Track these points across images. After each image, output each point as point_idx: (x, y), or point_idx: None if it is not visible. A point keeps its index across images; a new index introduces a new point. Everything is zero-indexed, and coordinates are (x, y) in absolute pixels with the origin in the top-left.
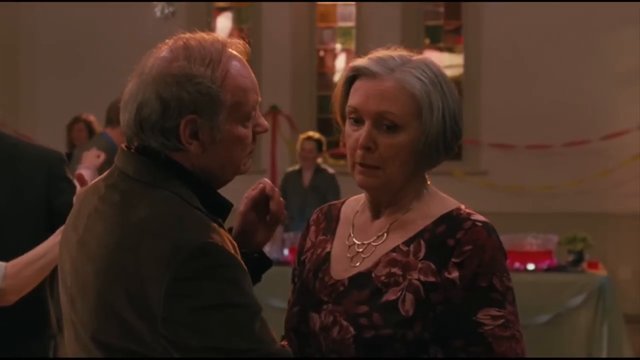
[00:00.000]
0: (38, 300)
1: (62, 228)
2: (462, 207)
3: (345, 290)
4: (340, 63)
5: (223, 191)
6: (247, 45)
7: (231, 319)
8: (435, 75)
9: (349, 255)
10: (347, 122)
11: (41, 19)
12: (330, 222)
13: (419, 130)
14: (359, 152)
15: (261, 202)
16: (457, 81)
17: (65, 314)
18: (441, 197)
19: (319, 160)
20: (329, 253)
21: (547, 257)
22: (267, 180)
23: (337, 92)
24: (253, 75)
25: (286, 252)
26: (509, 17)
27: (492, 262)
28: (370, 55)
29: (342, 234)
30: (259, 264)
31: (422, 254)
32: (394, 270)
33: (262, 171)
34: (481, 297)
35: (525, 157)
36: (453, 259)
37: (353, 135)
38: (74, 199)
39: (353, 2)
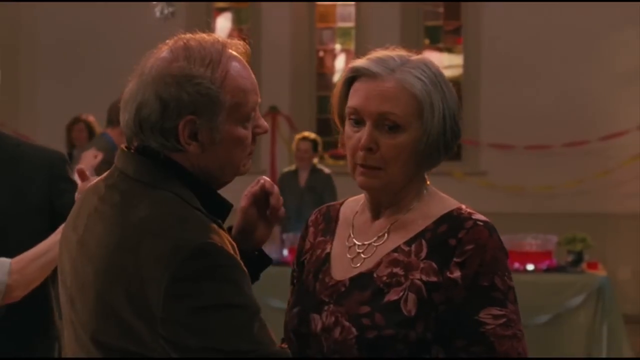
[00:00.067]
0: (42, 300)
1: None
2: (463, 206)
3: (347, 290)
4: (340, 63)
5: (223, 191)
6: (247, 46)
7: (230, 319)
8: (435, 75)
9: (349, 255)
10: (347, 123)
11: (41, 19)
12: (330, 223)
13: (420, 130)
14: (360, 153)
15: (261, 198)
16: (456, 81)
17: (65, 314)
18: (441, 197)
19: (315, 160)
20: (328, 254)
21: (547, 257)
22: (266, 178)
23: (336, 93)
24: (253, 76)
25: (285, 252)
26: (508, 17)
27: (493, 261)
28: (369, 56)
29: (341, 234)
30: (259, 262)
31: (423, 254)
32: (395, 270)
33: (262, 171)
34: (483, 296)
35: (525, 157)
36: (455, 259)
37: (354, 136)
38: (75, 196)
39: (352, 3)
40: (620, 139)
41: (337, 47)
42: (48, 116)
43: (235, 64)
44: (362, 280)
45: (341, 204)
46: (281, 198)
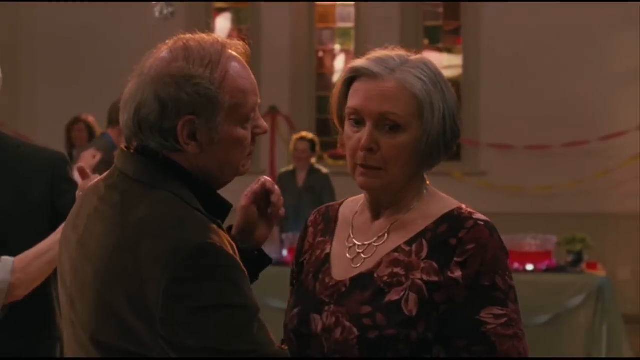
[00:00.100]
0: (44, 300)
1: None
2: (463, 206)
3: (347, 291)
4: (339, 64)
5: (223, 191)
6: (247, 47)
7: (229, 320)
8: (435, 74)
9: (349, 256)
10: (347, 123)
11: (41, 20)
12: (329, 224)
13: (420, 130)
14: (360, 153)
15: (262, 197)
16: (456, 82)
17: (65, 314)
18: (441, 197)
19: (313, 160)
20: (328, 254)
21: (546, 257)
22: (267, 177)
23: (336, 94)
24: (253, 76)
25: (285, 252)
26: (508, 17)
27: (494, 260)
28: (368, 56)
29: (341, 235)
30: (258, 262)
31: (424, 254)
32: (396, 270)
33: (262, 172)
34: (484, 296)
35: (524, 157)
36: (455, 258)
37: (354, 136)
38: (77, 195)
39: (352, 3)
40: (619, 139)
41: (337, 47)
42: (48, 116)
43: (234, 65)
44: (362, 280)
45: (340, 205)
46: (282, 198)
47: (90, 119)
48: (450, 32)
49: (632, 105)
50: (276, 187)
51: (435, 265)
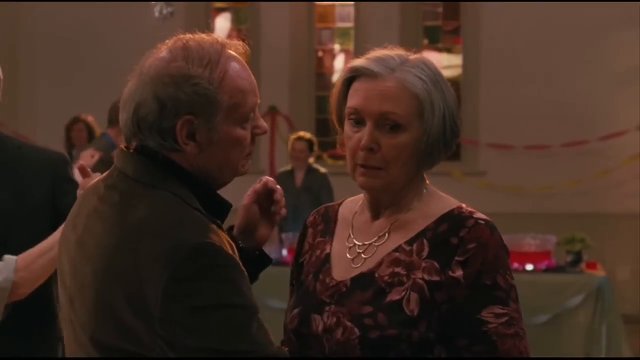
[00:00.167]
0: (46, 300)
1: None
2: (464, 206)
3: (348, 291)
4: (339, 64)
5: (222, 191)
6: (246, 47)
7: (228, 320)
8: (434, 74)
9: (349, 256)
10: (347, 123)
11: (40, 20)
12: (328, 224)
13: (421, 130)
14: (361, 153)
15: (264, 197)
16: (455, 82)
17: (64, 314)
18: (441, 197)
19: (311, 160)
20: (328, 255)
21: (546, 257)
22: (269, 177)
23: (335, 94)
24: (253, 77)
25: (285, 252)
26: (507, 17)
27: (495, 260)
28: (368, 56)
29: (341, 235)
30: (259, 262)
31: (425, 254)
32: (397, 270)
33: (261, 172)
34: (485, 295)
35: (524, 157)
36: (457, 258)
37: (354, 136)
38: (78, 193)
39: (352, 3)
40: (619, 139)
41: (337, 47)
42: (47, 116)
43: (234, 65)
44: (363, 280)
45: (340, 205)
46: (284, 198)
47: (90, 119)
48: (450, 32)
49: (631, 105)
50: (278, 186)
51: (436, 264)
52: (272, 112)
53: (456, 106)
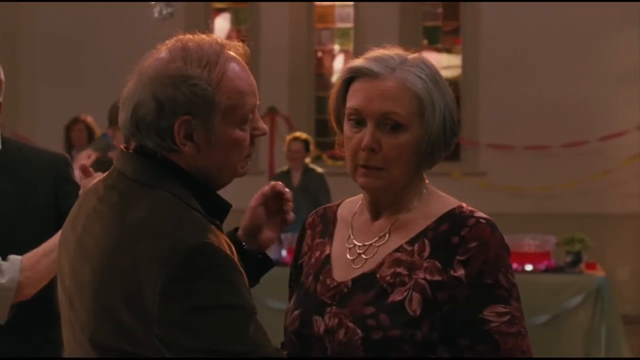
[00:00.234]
0: (50, 300)
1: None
2: (464, 205)
3: (349, 292)
4: (339, 64)
5: (222, 192)
6: (246, 47)
7: (225, 320)
8: (433, 73)
9: (349, 257)
10: (347, 124)
11: (40, 20)
12: (327, 225)
13: (421, 129)
14: (362, 154)
15: (271, 200)
16: (455, 82)
17: (64, 315)
18: (440, 196)
19: (307, 160)
20: (328, 255)
21: (545, 258)
22: (279, 182)
23: (334, 94)
24: (252, 77)
25: (284, 252)
26: (507, 17)
27: (497, 258)
28: (366, 56)
29: (340, 236)
30: (261, 265)
31: (426, 253)
32: (399, 270)
33: (260, 172)
34: (487, 294)
35: (524, 157)
36: (458, 257)
37: (354, 137)
38: (80, 194)
39: (351, 3)
40: (619, 140)
41: (336, 47)
42: (47, 117)
43: (233, 65)
44: (364, 281)
45: (338, 206)
46: (291, 204)
47: (90, 119)
48: (449, 33)
49: (631, 105)
50: (287, 190)
51: (438, 264)
52: (272, 113)
53: (455, 105)
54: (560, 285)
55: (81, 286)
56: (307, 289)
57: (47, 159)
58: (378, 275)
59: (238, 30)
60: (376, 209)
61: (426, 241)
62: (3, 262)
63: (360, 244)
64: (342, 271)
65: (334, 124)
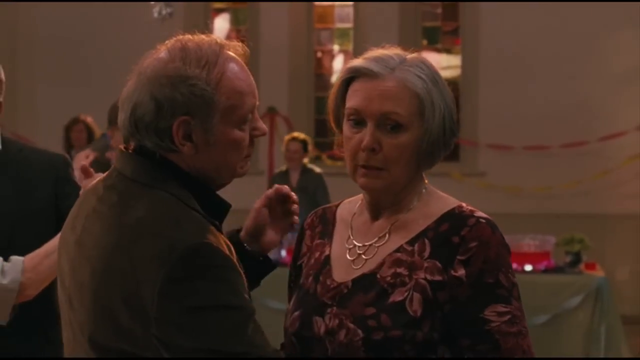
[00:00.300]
0: (50, 301)
1: None
2: (464, 204)
3: (350, 292)
4: (338, 64)
5: (221, 192)
6: (246, 48)
7: (224, 320)
8: (433, 73)
9: (349, 257)
10: (347, 124)
11: (39, 20)
12: (327, 226)
13: (422, 129)
14: (362, 154)
15: (276, 202)
16: (454, 82)
17: (64, 315)
18: (440, 196)
19: (305, 160)
20: (328, 256)
21: (545, 258)
22: (286, 186)
23: (333, 95)
24: (251, 78)
25: (284, 253)
26: (506, 18)
27: (497, 258)
28: (365, 56)
29: (340, 236)
30: (262, 267)
31: (427, 253)
32: (399, 270)
33: (260, 172)
34: (488, 293)
35: (523, 158)
36: (458, 257)
37: (354, 137)
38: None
39: (350, 3)
40: (618, 140)
41: (335, 47)
42: (47, 117)
43: (232, 66)
44: (365, 281)
45: (337, 206)
46: (297, 206)
47: (90, 119)
48: (448, 33)
49: (631, 105)
50: (292, 193)
51: (438, 264)
52: (271, 113)
53: (454, 105)
54: (559, 285)
55: (80, 286)
56: (307, 289)
57: (47, 160)
58: (378, 276)
59: (237, 30)
60: (376, 209)
61: (426, 241)
62: (5, 263)
63: (360, 245)
64: (342, 272)
65: (333, 125)
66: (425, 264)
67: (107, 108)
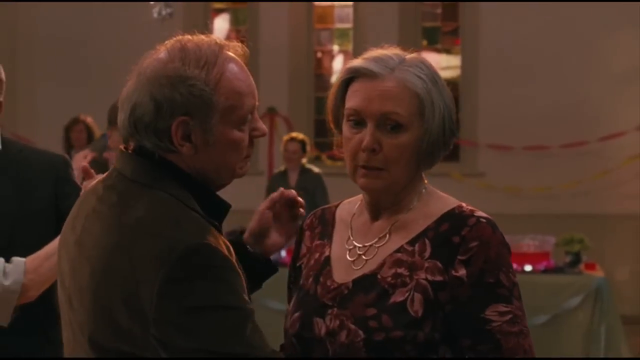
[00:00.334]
0: (50, 302)
1: None
2: (463, 204)
3: (350, 293)
4: (338, 64)
5: (221, 192)
6: (245, 48)
7: (222, 321)
8: (432, 73)
9: (349, 258)
10: (346, 124)
11: (39, 20)
12: (326, 226)
13: (421, 129)
14: (362, 154)
15: (281, 204)
16: (454, 82)
17: (64, 315)
18: (440, 196)
19: (304, 160)
20: (328, 257)
21: (545, 258)
22: (292, 191)
23: (332, 95)
24: (251, 78)
25: (284, 253)
26: (506, 18)
27: (498, 257)
28: (364, 56)
29: (340, 237)
30: (264, 269)
31: (427, 253)
32: (400, 270)
33: (260, 172)
34: (488, 293)
35: (523, 158)
36: (459, 256)
37: (354, 138)
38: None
39: (350, 4)
40: (618, 140)
41: (335, 48)
42: (46, 117)
43: (231, 66)
44: (365, 282)
45: (336, 207)
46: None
47: (90, 119)
48: (448, 33)
49: (630, 105)
50: (299, 198)
51: (439, 264)
52: (271, 113)
53: (453, 104)
54: (559, 285)
55: (80, 286)
56: (307, 290)
57: (47, 160)
58: (379, 276)
59: (237, 30)
60: (376, 210)
61: (427, 241)
62: (7, 265)
63: (360, 245)
64: (343, 272)
65: (332, 125)
66: (426, 264)
67: (107, 108)
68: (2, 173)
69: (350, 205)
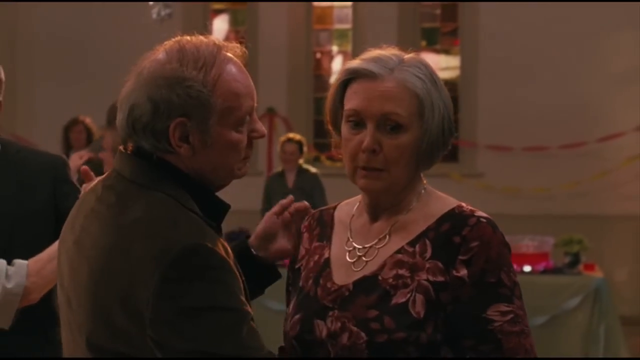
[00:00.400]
0: (50, 302)
1: None
2: (463, 204)
3: (351, 295)
4: (337, 65)
5: (219, 193)
6: (244, 49)
7: (218, 322)
8: (431, 73)
9: (349, 259)
10: (346, 125)
11: (38, 20)
12: (325, 228)
13: (421, 129)
14: (362, 155)
15: (291, 213)
16: (453, 83)
17: (63, 315)
18: (439, 196)
19: (300, 161)
20: (327, 259)
21: (544, 259)
22: (305, 202)
23: (331, 96)
24: (250, 80)
25: None
26: (505, 19)
27: (498, 257)
28: (363, 57)
29: (339, 238)
30: (267, 275)
31: (428, 254)
32: (401, 272)
33: (259, 173)
34: (490, 293)
35: (522, 159)
36: (460, 257)
37: (354, 138)
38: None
39: (349, 4)
40: (617, 141)
41: (334, 48)
42: (45, 118)
43: (230, 67)
44: (366, 283)
45: (334, 208)
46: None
47: (89, 120)
48: (447, 34)
49: (629, 106)
50: (312, 210)
51: (440, 264)
52: (270, 114)
53: (451, 105)
54: (558, 286)
55: (79, 286)
56: (307, 293)
57: (45, 161)
58: (380, 278)
59: (236, 31)
60: (375, 211)
61: (427, 242)
62: (9, 267)
63: (360, 247)
64: (343, 274)
65: (330, 126)
66: (427, 265)
67: (106, 109)
68: (0, 174)
69: (348, 207)
